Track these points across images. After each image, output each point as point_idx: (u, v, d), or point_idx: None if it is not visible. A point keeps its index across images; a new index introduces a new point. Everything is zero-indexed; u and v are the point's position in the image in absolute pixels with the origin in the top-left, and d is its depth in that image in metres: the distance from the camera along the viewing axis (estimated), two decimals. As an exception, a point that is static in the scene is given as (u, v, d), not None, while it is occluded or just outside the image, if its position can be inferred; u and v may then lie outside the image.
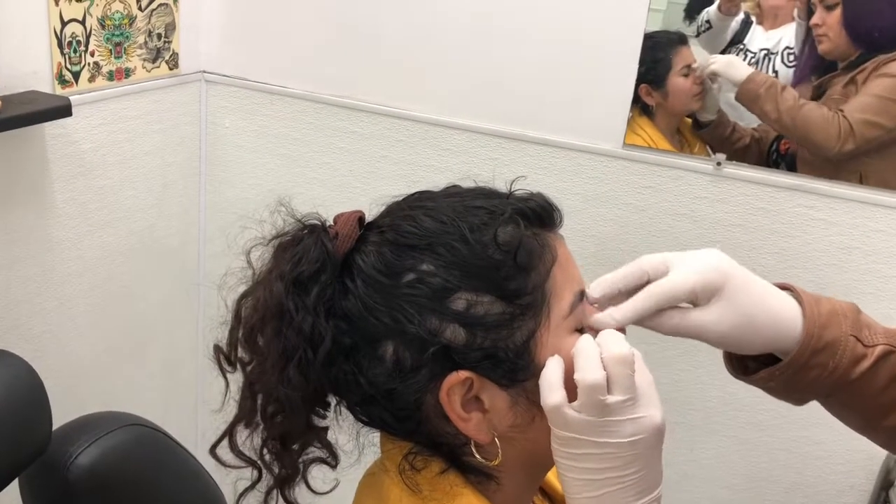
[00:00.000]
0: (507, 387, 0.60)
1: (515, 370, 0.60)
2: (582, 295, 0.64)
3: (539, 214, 0.63)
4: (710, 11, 1.39)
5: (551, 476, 0.78)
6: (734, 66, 1.37)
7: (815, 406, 1.40)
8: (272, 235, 0.64)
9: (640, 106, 1.44)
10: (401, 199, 0.67)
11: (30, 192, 1.28)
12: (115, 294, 1.50)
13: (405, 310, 0.59)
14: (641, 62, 1.39)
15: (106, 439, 0.92)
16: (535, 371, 0.60)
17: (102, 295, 1.48)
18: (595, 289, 0.65)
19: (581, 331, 0.63)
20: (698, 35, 1.41)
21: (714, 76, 1.38)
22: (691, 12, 1.42)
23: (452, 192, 0.65)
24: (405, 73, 1.50)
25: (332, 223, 0.65)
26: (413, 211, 0.63)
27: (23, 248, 1.29)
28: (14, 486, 0.89)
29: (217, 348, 0.65)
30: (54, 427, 0.91)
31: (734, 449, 1.49)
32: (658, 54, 1.43)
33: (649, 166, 1.41)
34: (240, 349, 0.65)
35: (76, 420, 0.94)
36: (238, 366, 0.65)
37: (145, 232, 1.55)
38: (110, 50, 1.36)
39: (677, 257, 0.67)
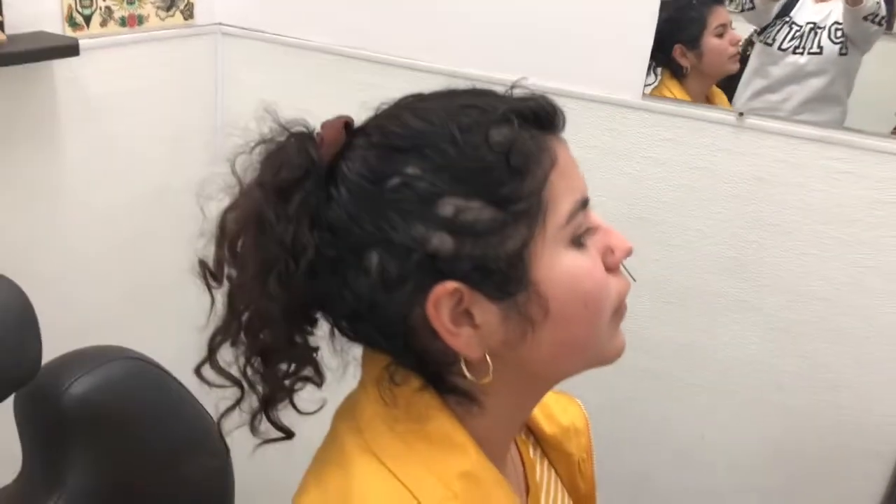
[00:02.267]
0: (499, 300, 0.57)
1: (507, 281, 0.56)
2: (583, 203, 0.59)
3: (538, 115, 0.59)
4: (753, -8, 1.34)
5: (539, 415, 0.75)
6: None
7: (838, 369, 1.35)
8: (255, 142, 0.62)
9: (671, 68, 1.39)
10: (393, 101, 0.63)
11: (39, 134, 1.28)
12: (127, 244, 1.50)
13: (389, 217, 0.56)
14: (675, 21, 1.34)
15: (100, 370, 0.91)
16: (527, 283, 0.57)
17: (113, 244, 1.48)
18: None
19: (579, 243, 0.59)
20: (742, 11, 1.36)
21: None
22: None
23: (445, 93, 0.61)
24: (422, 24, 1.47)
25: (320, 131, 0.61)
26: (401, 111, 0.60)
27: (32, 190, 1.29)
28: (7, 414, 0.89)
29: (202, 263, 0.63)
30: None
31: (753, 412, 1.45)
32: (692, 13, 1.39)
33: (669, 117, 1.36)
34: (226, 266, 0.62)
35: (71, 352, 0.94)
36: (226, 281, 0.63)
37: (158, 183, 1.54)
38: (122, -5, 1.35)
39: None
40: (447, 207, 0.56)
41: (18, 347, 0.84)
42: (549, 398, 0.76)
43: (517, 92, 0.61)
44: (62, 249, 1.37)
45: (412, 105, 0.60)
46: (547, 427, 0.74)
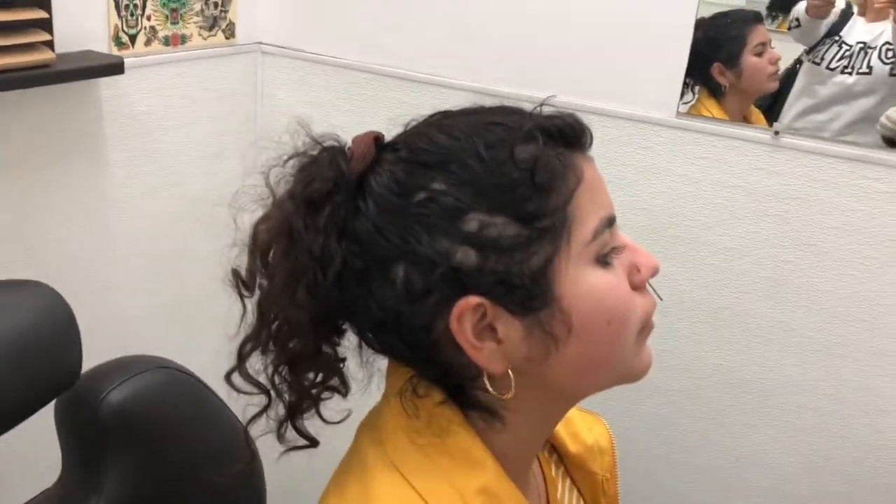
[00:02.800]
0: (522, 315, 0.57)
1: (531, 297, 0.57)
2: (610, 221, 0.60)
3: (564, 133, 0.59)
4: (800, 11, 1.33)
5: (564, 433, 0.75)
6: None
7: (878, 390, 1.33)
8: (287, 156, 0.63)
9: (709, 86, 1.39)
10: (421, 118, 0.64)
11: (85, 150, 1.32)
12: (168, 257, 1.53)
13: (415, 230, 0.57)
14: (714, 40, 1.34)
15: (137, 379, 0.94)
16: (551, 299, 0.57)
17: (155, 257, 1.51)
18: None
19: (605, 261, 0.59)
20: (789, 29, 1.35)
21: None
22: (773, 8, 1.36)
23: (472, 110, 0.63)
24: (454, 42, 1.49)
25: (350, 145, 0.63)
26: (428, 128, 0.61)
27: (78, 204, 1.33)
28: (49, 420, 0.91)
29: (235, 273, 0.64)
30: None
31: (791, 435, 1.42)
32: (732, 32, 1.38)
33: (704, 136, 1.36)
34: (258, 276, 0.63)
35: (109, 361, 0.96)
36: (258, 290, 0.64)
37: (198, 198, 1.57)
38: (166, 15, 1.39)
39: None
40: (471, 223, 0.56)
41: (59, 355, 0.86)
42: (575, 416, 0.76)
43: (545, 110, 0.62)
44: (106, 261, 1.41)
45: (439, 122, 0.61)
46: (571, 445, 0.74)
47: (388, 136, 0.65)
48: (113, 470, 0.90)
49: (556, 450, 0.76)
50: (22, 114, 1.20)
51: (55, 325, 0.86)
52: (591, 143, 0.62)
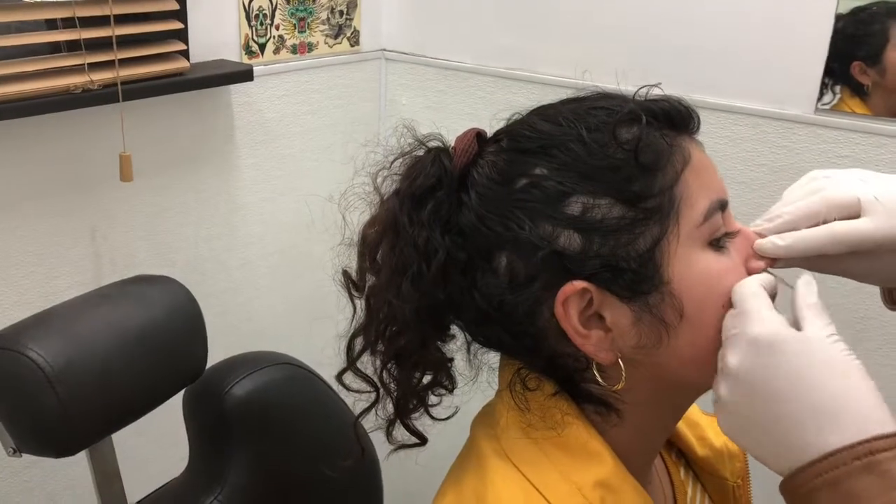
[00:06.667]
0: (630, 300, 0.55)
1: (638, 281, 0.55)
2: (721, 205, 0.57)
3: (670, 115, 0.58)
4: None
5: (691, 437, 0.71)
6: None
7: None
8: (394, 157, 0.63)
9: (851, 86, 1.30)
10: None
11: (216, 154, 1.38)
12: (296, 260, 1.58)
13: (517, 217, 0.56)
14: (853, 37, 1.25)
15: (260, 374, 0.97)
16: (660, 282, 0.55)
17: (283, 260, 1.56)
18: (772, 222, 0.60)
19: (718, 245, 0.57)
20: None
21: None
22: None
23: (574, 98, 0.61)
24: (578, 42, 1.46)
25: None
26: (530, 116, 0.60)
27: (210, 207, 1.39)
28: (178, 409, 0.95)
29: (345, 274, 0.65)
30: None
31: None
32: (873, 27, 1.29)
33: (846, 132, 1.27)
34: (368, 276, 0.64)
35: (234, 356, 1.00)
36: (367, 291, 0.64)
37: (326, 204, 1.61)
38: (294, 24, 1.44)
39: (871, 204, 0.58)
40: (575, 206, 0.55)
41: (187, 347, 0.90)
42: (702, 419, 0.73)
43: (650, 95, 0.60)
44: (234, 262, 1.47)
45: (541, 111, 0.61)
46: (699, 449, 0.71)
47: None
48: (236, 460, 0.93)
49: (684, 454, 0.72)
50: (158, 119, 1.27)
51: (183, 319, 0.90)
52: (698, 127, 0.60)
